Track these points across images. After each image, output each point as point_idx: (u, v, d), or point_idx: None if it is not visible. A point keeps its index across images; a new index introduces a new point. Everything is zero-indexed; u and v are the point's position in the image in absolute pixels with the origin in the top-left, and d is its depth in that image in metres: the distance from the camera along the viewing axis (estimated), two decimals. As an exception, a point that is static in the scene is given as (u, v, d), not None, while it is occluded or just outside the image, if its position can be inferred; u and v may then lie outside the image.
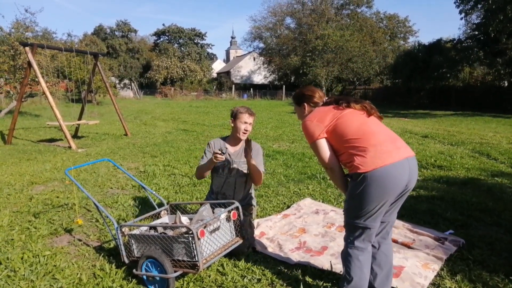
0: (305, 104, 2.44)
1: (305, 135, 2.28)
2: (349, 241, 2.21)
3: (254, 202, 3.58)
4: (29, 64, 9.08)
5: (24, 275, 2.78)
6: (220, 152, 2.97)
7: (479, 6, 21.24)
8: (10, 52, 16.60)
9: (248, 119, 3.27)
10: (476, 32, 23.92)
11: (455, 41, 26.03)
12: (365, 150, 2.05)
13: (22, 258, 3.05)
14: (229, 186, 3.36)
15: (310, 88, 2.50)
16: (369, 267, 2.24)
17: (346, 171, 2.20)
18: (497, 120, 15.64)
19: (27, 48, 9.02)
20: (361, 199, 2.06)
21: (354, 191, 2.08)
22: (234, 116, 3.30)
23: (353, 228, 2.17)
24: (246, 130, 3.29)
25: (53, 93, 15.60)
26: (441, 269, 2.77)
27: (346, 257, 2.22)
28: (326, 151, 2.19)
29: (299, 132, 11.30)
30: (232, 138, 3.40)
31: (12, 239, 3.43)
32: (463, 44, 24.93)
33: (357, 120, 2.18)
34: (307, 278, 2.68)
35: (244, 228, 2.87)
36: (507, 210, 4.01)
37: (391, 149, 2.07)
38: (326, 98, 2.42)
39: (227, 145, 3.40)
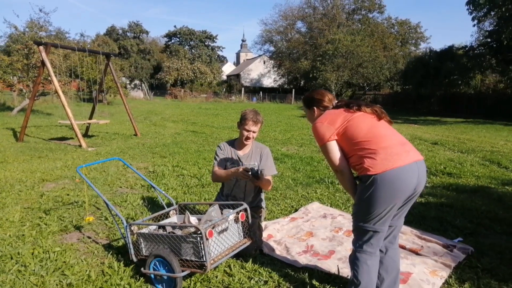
0: (315, 107, 2.46)
1: (315, 137, 2.27)
2: (358, 245, 2.21)
3: (263, 204, 3.59)
4: (43, 63, 9.21)
5: (34, 270, 2.82)
6: (248, 170, 3.01)
7: (492, 13, 21.03)
8: (24, 51, 16.84)
9: (252, 127, 3.24)
10: (489, 39, 23.67)
11: (467, 48, 25.78)
12: (375, 152, 2.05)
13: (32, 254, 3.10)
14: (239, 189, 3.38)
15: (320, 91, 2.51)
16: (376, 271, 2.24)
17: (355, 174, 2.20)
18: (508, 129, 15.45)
19: (41, 47, 9.15)
20: (370, 202, 2.06)
21: (364, 194, 2.08)
22: (241, 120, 3.31)
23: (362, 232, 2.18)
24: (248, 138, 3.29)
25: (65, 92, 15.78)
26: (449, 277, 2.75)
27: (354, 261, 2.22)
28: (336, 153, 2.19)
29: (307, 136, 11.29)
30: (240, 141, 3.42)
31: (23, 235, 3.48)
32: (475, 51, 24.69)
33: (368, 123, 2.18)
34: (314, 282, 2.68)
35: (252, 230, 2.88)
36: (518, 219, 3.97)
37: (400, 152, 2.08)
38: (336, 101, 2.42)
39: (238, 152, 3.40)
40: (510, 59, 21.33)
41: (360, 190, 2.12)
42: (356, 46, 34.52)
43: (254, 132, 3.28)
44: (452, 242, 3.33)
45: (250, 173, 3.00)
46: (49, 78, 12.33)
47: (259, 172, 3.04)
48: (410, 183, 2.05)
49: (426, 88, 26.68)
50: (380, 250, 2.30)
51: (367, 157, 2.06)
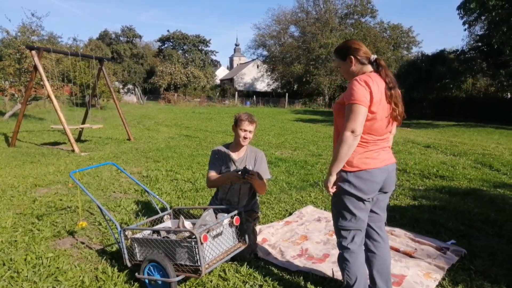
0: (352, 57, 2.19)
1: (349, 92, 2.06)
2: (343, 246, 2.26)
3: (258, 209, 3.60)
4: (35, 67, 9.16)
5: (27, 276, 2.80)
6: (241, 172, 3.01)
7: (483, 17, 21.30)
8: (16, 55, 16.73)
9: (248, 127, 3.30)
10: (480, 44, 23.99)
11: (458, 52, 26.10)
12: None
13: (25, 260, 3.07)
14: (234, 193, 3.38)
15: (353, 41, 2.28)
16: (364, 262, 2.30)
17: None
18: (499, 132, 15.62)
19: (33, 52, 9.10)
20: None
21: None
22: (235, 122, 3.35)
23: (345, 233, 2.25)
24: (246, 138, 3.33)
25: (57, 97, 15.67)
26: (443, 279, 2.77)
27: (344, 262, 2.26)
28: (362, 118, 2.01)
29: (301, 140, 11.32)
30: (235, 145, 3.43)
31: (16, 241, 3.45)
32: (466, 55, 25.00)
33: (385, 122, 2.17)
34: (309, 285, 2.68)
35: (247, 234, 2.88)
36: (509, 221, 4.01)
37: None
38: (373, 56, 2.20)
39: (233, 156, 3.42)
40: (501, 63, 21.61)
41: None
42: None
43: (250, 131, 3.32)
44: (445, 244, 3.36)
45: (239, 173, 3.01)
46: (42, 83, 12.25)
47: (249, 170, 3.04)
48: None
49: (418, 92, 26.90)
50: (371, 250, 2.33)
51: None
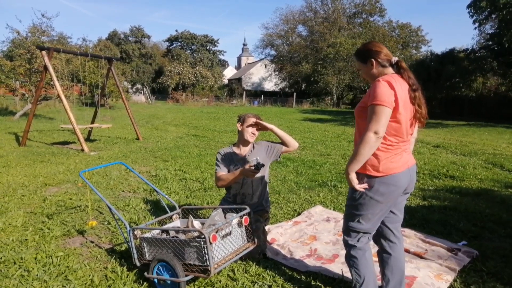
0: (373, 60, 2.17)
1: (372, 94, 2.02)
2: (351, 245, 2.25)
3: (269, 208, 3.61)
4: (45, 67, 9.24)
5: (37, 275, 2.82)
6: (256, 166, 3.01)
7: (493, 16, 21.07)
8: (26, 55, 16.90)
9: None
10: (490, 42, 23.69)
11: (468, 51, 25.79)
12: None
13: (35, 259, 3.09)
14: (248, 186, 3.40)
15: (375, 43, 2.26)
16: (372, 260, 2.28)
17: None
18: (510, 131, 15.41)
19: (43, 52, 9.18)
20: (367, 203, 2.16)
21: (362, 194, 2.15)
22: (242, 120, 3.40)
23: (355, 233, 2.25)
24: (254, 134, 3.37)
25: (67, 97, 15.78)
26: (454, 280, 2.74)
27: (352, 260, 2.25)
28: (386, 119, 1.98)
29: (309, 140, 11.29)
30: (240, 142, 3.46)
31: (26, 240, 3.48)
32: (477, 54, 24.70)
33: (407, 124, 2.15)
34: (318, 285, 2.66)
35: (257, 234, 2.88)
36: (522, 222, 3.95)
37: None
38: (394, 58, 2.17)
39: (239, 154, 3.44)
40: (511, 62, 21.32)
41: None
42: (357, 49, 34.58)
43: (257, 128, 3.39)
44: (457, 245, 3.32)
45: (254, 168, 3.00)
46: (52, 83, 12.35)
47: (262, 164, 3.04)
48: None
49: (427, 91, 26.44)
50: (386, 251, 2.31)
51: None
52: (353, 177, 2.08)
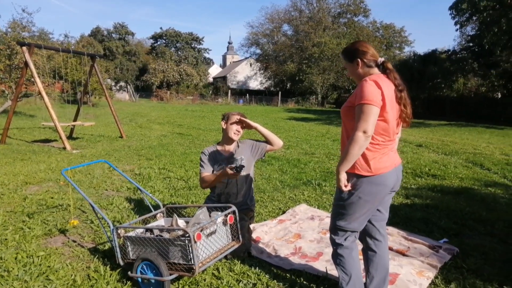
0: (359, 59, 2.19)
1: (360, 93, 2.04)
2: (338, 243, 2.27)
3: (254, 206, 3.61)
4: (26, 64, 9.05)
5: (17, 275, 2.76)
6: (236, 169, 3.00)
7: (474, 18, 21.49)
8: (6, 51, 16.50)
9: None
10: (471, 44, 24.24)
11: (450, 52, 26.33)
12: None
13: (16, 258, 3.02)
14: (233, 185, 3.40)
15: (362, 43, 2.26)
16: (358, 258, 2.30)
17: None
18: (490, 131, 15.79)
19: (24, 48, 9.00)
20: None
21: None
22: (227, 118, 3.40)
23: (342, 232, 2.27)
24: (238, 131, 3.38)
25: (48, 94, 15.49)
26: (436, 277, 2.78)
27: (338, 258, 2.27)
28: (374, 118, 2.00)
29: (294, 138, 11.34)
30: (225, 141, 3.46)
31: (6, 239, 3.40)
32: (458, 55, 25.23)
33: (394, 123, 2.17)
34: (302, 283, 2.68)
35: (242, 232, 2.87)
36: (501, 220, 4.04)
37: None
38: (380, 59, 2.19)
39: (223, 153, 3.43)
40: (492, 63, 21.85)
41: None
42: (341, 49, 34.83)
43: (242, 126, 3.40)
44: (438, 243, 3.38)
45: (235, 170, 3.00)
46: (32, 79, 12.09)
47: (243, 165, 3.03)
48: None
49: (410, 91, 26.42)
50: (371, 249, 2.34)
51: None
52: (343, 177, 2.10)
